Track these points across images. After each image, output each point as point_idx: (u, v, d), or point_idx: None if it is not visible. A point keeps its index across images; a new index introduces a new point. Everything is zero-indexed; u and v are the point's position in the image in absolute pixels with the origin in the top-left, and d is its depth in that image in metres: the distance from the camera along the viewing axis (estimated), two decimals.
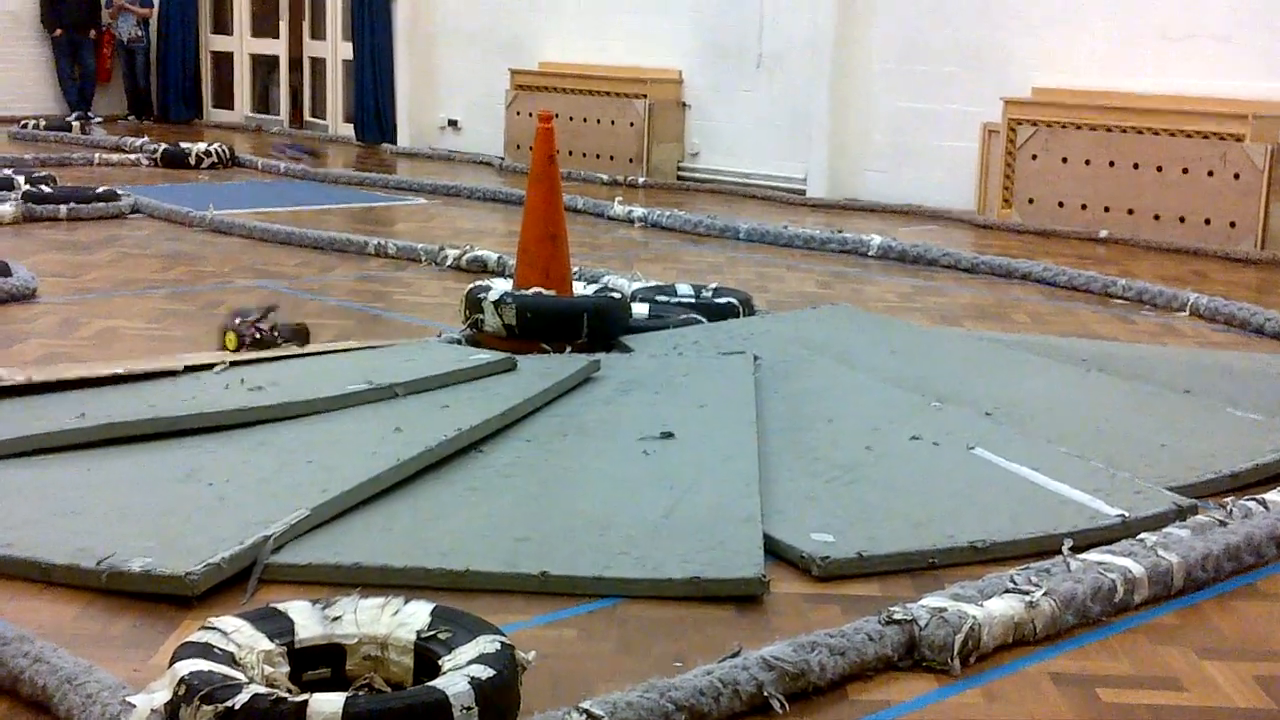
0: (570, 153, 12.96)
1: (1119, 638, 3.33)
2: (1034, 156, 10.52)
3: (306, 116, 17.24)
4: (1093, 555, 3.58)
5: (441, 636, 2.78)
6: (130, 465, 4.14)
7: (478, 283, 5.97)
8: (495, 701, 2.58)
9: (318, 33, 16.97)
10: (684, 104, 13.17)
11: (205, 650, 2.65)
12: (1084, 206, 10.27)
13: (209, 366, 5.07)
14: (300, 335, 5.61)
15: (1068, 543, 3.65)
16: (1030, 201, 10.58)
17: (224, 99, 18.28)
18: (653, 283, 6.92)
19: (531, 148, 5.91)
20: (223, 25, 18.20)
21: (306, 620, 2.84)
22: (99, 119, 16.73)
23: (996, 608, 3.23)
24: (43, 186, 9.93)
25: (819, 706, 2.93)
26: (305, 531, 3.62)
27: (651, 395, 4.95)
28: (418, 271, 7.94)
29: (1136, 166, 9.98)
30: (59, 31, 17.29)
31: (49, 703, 2.76)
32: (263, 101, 18.01)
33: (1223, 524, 3.85)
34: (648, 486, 4.08)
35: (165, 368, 5.04)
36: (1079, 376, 5.52)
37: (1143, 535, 3.74)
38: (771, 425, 4.68)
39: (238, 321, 5.52)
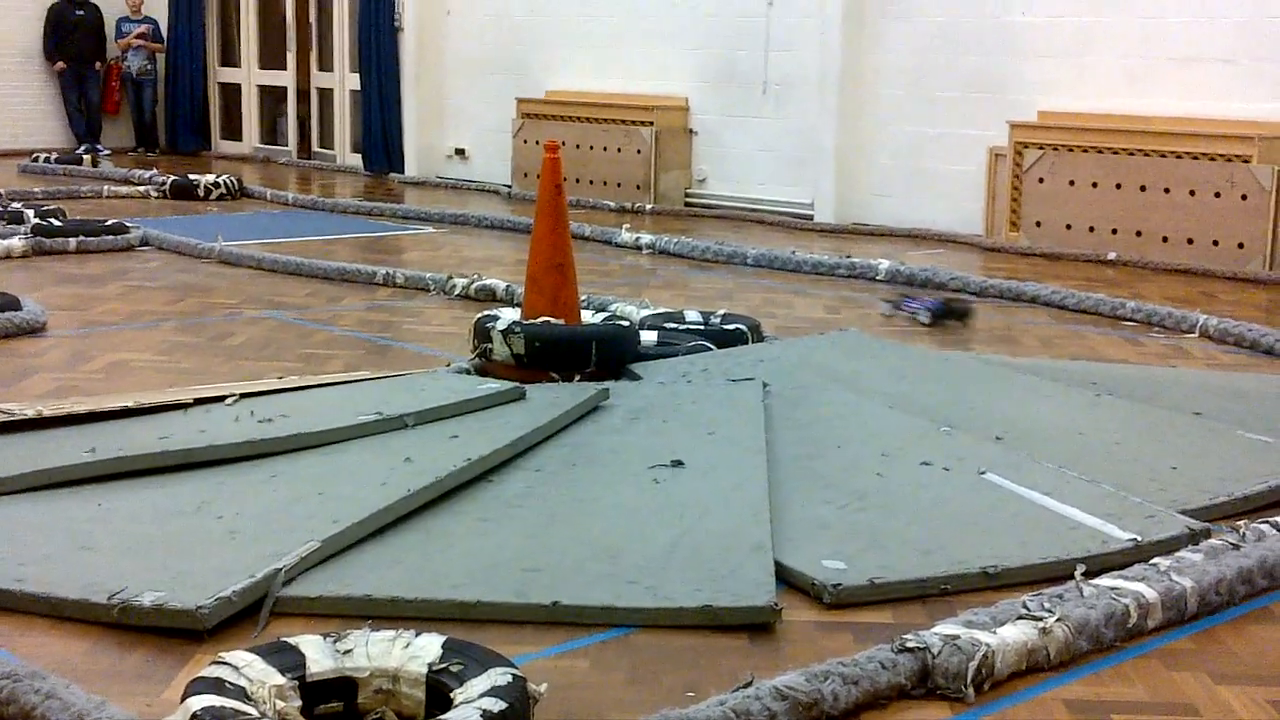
0: (578, 180, 13.01)
1: (1133, 663, 3.31)
2: (1041, 180, 10.53)
3: (314, 147, 17.30)
4: (1105, 580, 3.57)
5: (453, 669, 2.78)
6: (141, 499, 4.14)
7: (486, 312, 5.97)
8: None
9: (325, 64, 17.05)
10: (691, 131, 13.20)
11: (217, 685, 2.65)
12: (1091, 229, 10.27)
13: (219, 399, 5.08)
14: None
15: (1080, 568, 3.64)
16: (1038, 224, 10.58)
17: (232, 130, 18.36)
18: (661, 310, 6.92)
19: (539, 176, 5.92)
20: (230, 57, 18.29)
21: (318, 654, 2.83)
22: (108, 151, 16.80)
23: (1010, 634, 3.22)
24: (52, 220, 9.98)
25: None
26: (316, 564, 3.61)
27: (660, 423, 4.95)
28: (426, 301, 7.96)
29: (1144, 189, 9.98)
30: (60, 64, 17.32)
31: None
32: (271, 133, 18.08)
33: (1236, 547, 3.83)
34: (658, 515, 4.07)
35: (175, 400, 5.05)
36: (1089, 400, 5.51)
37: (1155, 559, 3.73)
38: (781, 452, 4.67)
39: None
